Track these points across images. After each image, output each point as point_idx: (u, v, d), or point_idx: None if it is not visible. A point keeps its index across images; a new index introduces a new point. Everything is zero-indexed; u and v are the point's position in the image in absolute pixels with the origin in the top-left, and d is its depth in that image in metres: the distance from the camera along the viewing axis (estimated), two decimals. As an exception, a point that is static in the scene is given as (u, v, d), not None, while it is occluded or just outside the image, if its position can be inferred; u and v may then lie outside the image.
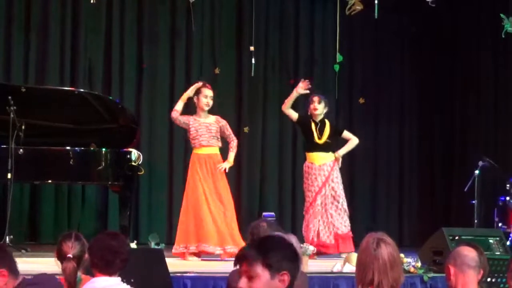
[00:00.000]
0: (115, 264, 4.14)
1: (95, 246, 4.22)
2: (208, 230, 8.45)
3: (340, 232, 9.14)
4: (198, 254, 8.52)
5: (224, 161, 8.72)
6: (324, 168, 9.23)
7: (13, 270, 4.00)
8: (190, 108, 8.98)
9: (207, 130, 8.68)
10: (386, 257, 3.62)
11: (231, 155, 8.81)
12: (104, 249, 4.15)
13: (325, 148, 9.28)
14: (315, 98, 9.29)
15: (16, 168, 8.35)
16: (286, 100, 9.33)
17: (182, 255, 8.51)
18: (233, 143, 8.87)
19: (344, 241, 9.14)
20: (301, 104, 9.86)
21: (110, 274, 4.16)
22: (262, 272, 2.96)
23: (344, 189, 9.39)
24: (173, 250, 8.56)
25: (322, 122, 9.31)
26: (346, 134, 9.49)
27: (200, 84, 8.84)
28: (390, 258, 3.63)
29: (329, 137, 9.28)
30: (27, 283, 3.93)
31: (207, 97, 8.71)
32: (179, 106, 8.76)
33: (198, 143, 8.68)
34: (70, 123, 9.05)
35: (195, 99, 8.75)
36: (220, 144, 8.76)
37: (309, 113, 9.35)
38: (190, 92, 8.78)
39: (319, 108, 9.25)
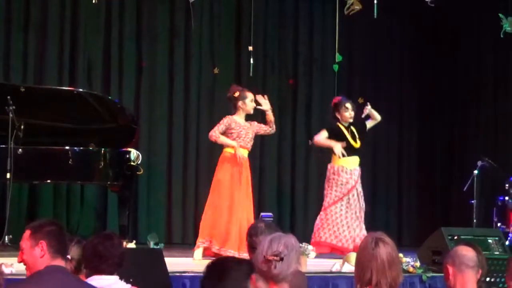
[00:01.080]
0: (101, 268, 4.15)
1: (84, 249, 4.26)
2: (234, 236, 8.34)
3: (358, 241, 8.84)
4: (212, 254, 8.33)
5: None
6: (355, 173, 9.09)
7: (53, 248, 3.84)
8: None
9: (246, 134, 8.59)
10: (384, 257, 3.62)
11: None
12: (90, 253, 4.18)
13: (360, 151, 9.18)
14: (349, 105, 9.10)
15: (15, 168, 8.35)
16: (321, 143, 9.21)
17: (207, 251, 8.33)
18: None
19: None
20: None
21: (105, 274, 4.18)
22: None
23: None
24: (204, 244, 8.34)
25: (348, 126, 9.17)
26: (369, 123, 9.34)
27: None
28: (388, 258, 3.63)
29: (361, 137, 9.19)
30: (54, 268, 3.83)
31: (252, 100, 8.63)
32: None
33: (238, 143, 8.54)
34: (69, 123, 9.06)
35: (240, 104, 8.56)
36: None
37: (340, 119, 9.12)
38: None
39: (353, 115, 9.14)
